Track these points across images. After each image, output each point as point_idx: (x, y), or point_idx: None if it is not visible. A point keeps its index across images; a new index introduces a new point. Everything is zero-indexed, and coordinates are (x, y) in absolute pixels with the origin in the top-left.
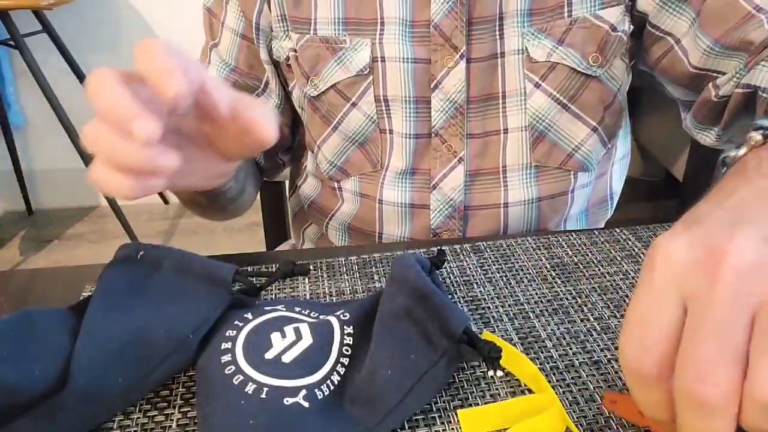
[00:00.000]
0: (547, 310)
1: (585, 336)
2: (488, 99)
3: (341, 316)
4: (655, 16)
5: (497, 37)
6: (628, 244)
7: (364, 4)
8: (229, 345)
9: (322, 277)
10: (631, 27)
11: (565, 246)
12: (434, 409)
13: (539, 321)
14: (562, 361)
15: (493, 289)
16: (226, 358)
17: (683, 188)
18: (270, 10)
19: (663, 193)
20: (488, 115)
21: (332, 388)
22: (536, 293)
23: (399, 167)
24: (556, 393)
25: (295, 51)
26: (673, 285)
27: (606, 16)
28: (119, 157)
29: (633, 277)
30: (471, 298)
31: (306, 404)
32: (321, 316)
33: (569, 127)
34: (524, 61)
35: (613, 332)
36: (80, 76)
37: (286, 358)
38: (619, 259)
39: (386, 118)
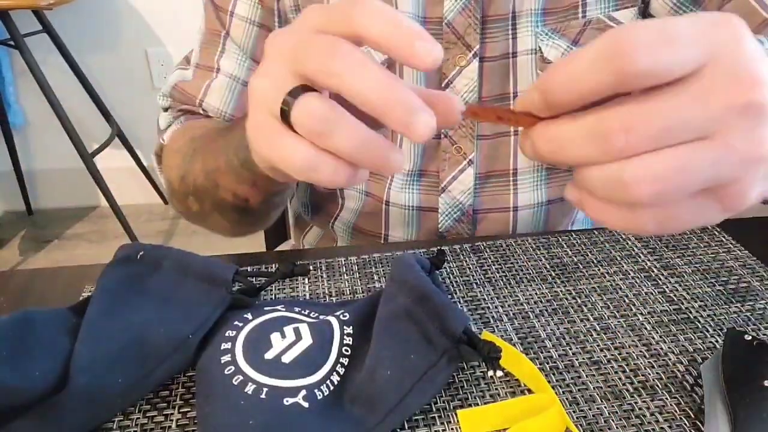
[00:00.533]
0: (546, 310)
1: (585, 336)
2: (500, 99)
3: (341, 316)
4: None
5: (510, 36)
6: (628, 244)
7: None
8: (228, 345)
9: (322, 277)
10: None
11: (565, 246)
12: (434, 409)
13: (539, 321)
14: (562, 361)
15: (492, 290)
16: (226, 358)
17: None
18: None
19: None
20: None
21: (332, 388)
22: (536, 293)
23: (407, 168)
24: (555, 393)
25: None
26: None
27: (620, 18)
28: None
29: (633, 277)
30: (471, 298)
31: (306, 404)
32: (321, 316)
33: None
34: (537, 61)
35: (613, 332)
36: (80, 76)
37: (286, 359)
38: (619, 259)
39: None
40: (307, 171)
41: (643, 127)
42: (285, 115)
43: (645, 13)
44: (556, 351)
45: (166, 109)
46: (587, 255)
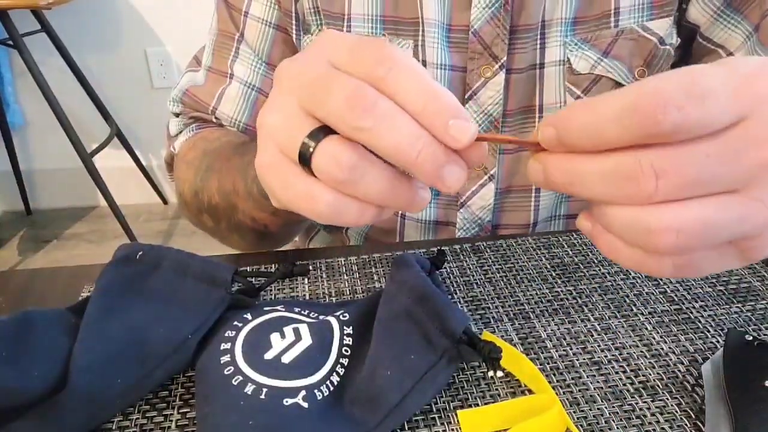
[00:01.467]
0: (547, 311)
1: (585, 336)
2: (525, 112)
3: (341, 316)
4: (708, 29)
5: (538, 46)
6: None
7: (403, 1)
8: (228, 345)
9: (322, 277)
10: (678, 40)
11: (566, 246)
12: (434, 409)
13: (539, 321)
14: (563, 362)
15: (493, 290)
16: (226, 358)
17: None
18: (305, 0)
19: None
20: (524, 130)
21: (332, 388)
22: (536, 293)
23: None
24: (556, 393)
25: None
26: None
27: (655, 28)
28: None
29: (633, 277)
30: (471, 299)
31: (305, 405)
32: (320, 317)
33: None
34: (566, 72)
35: (613, 332)
36: (79, 76)
37: (286, 359)
38: None
39: None
40: (330, 217)
41: (676, 174)
42: (303, 158)
43: (681, 21)
44: (557, 351)
45: (177, 115)
46: (588, 255)
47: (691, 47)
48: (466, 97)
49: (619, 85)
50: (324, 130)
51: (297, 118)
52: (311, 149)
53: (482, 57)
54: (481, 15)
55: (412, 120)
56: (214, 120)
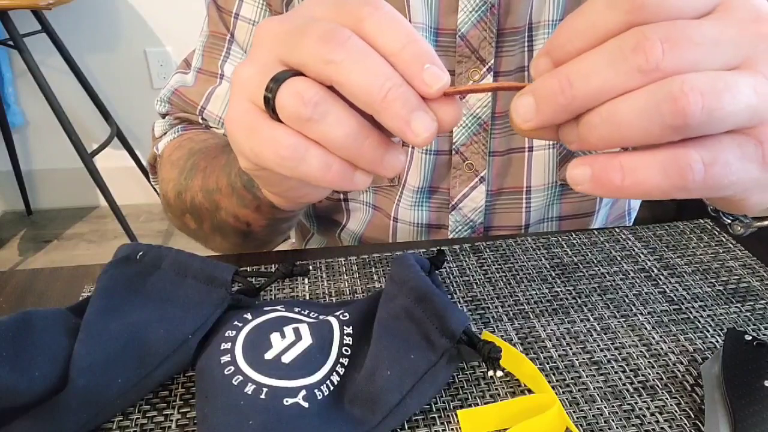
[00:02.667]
0: (546, 311)
1: (585, 336)
2: None
3: (341, 316)
4: None
5: (526, 49)
6: (628, 244)
7: (391, 4)
8: (228, 345)
9: (322, 277)
10: None
11: (565, 246)
12: (434, 409)
13: (539, 321)
14: (562, 362)
15: (492, 289)
16: (226, 358)
17: None
18: (296, 2)
19: None
20: (513, 132)
21: (332, 388)
22: (536, 293)
23: (416, 185)
24: (555, 393)
25: None
26: None
27: None
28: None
29: (633, 277)
30: (471, 298)
31: (305, 404)
32: (320, 317)
33: None
34: None
35: (613, 332)
36: (79, 76)
37: (286, 359)
38: (619, 259)
39: None
40: (292, 163)
41: (680, 38)
42: (269, 104)
43: None
44: (556, 351)
45: (164, 116)
46: (587, 255)
47: None
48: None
49: None
50: (293, 74)
51: (268, 65)
52: (275, 88)
53: (470, 60)
54: (467, 19)
55: (385, 61)
56: (201, 121)
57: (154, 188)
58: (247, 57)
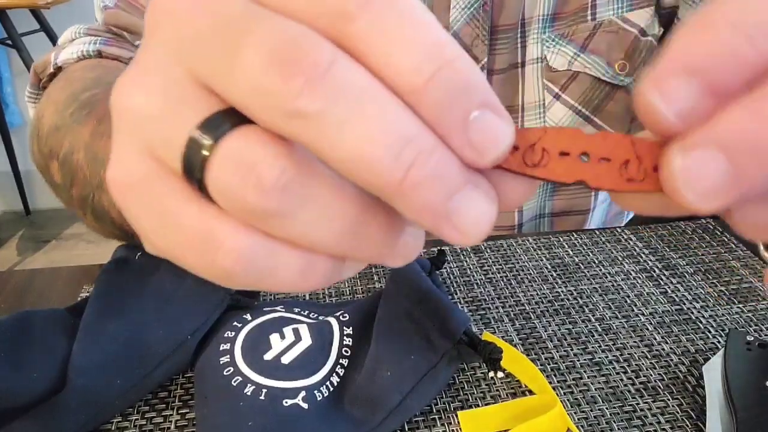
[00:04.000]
0: (548, 311)
1: (586, 337)
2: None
3: (341, 316)
4: (681, 11)
5: (518, 45)
6: (629, 244)
7: None
8: (227, 346)
9: None
10: (661, 30)
11: (566, 246)
12: (434, 410)
13: (540, 322)
14: (563, 362)
15: (493, 290)
16: (225, 359)
17: None
18: None
19: None
20: None
21: (331, 389)
22: (537, 294)
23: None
24: (557, 394)
25: None
26: None
27: (634, 19)
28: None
29: (634, 278)
30: (471, 299)
31: (305, 405)
32: (320, 317)
33: None
34: (543, 70)
35: (614, 333)
36: None
37: (285, 360)
38: (620, 259)
39: None
40: (246, 275)
41: None
42: (191, 168)
43: (659, 8)
44: (558, 352)
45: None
46: (588, 255)
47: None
48: None
49: (597, 80)
50: (231, 117)
51: (183, 94)
52: (205, 150)
53: None
54: (460, 16)
55: (399, 105)
56: (134, 47)
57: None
58: (135, 65)
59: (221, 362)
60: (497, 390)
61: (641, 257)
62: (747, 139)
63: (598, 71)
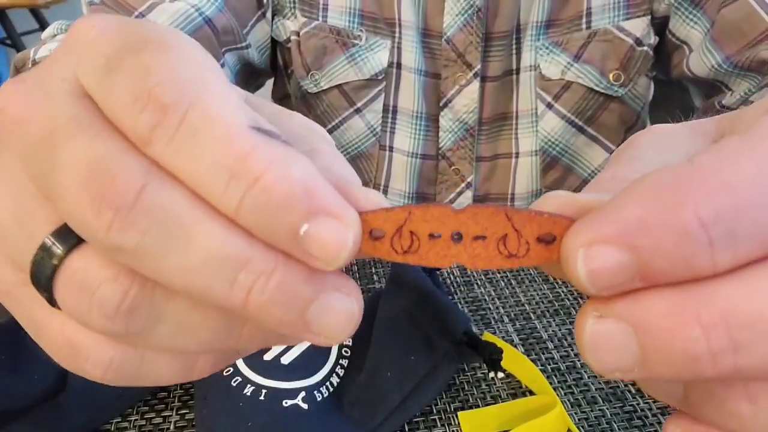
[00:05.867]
0: (548, 311)
1: None
2: (501, 120)
3: None
4: (671, 22)
5: (513, 52)
6: None
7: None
8: None
9: None
10: (656, 39)
11: None
12: (434, 410)
13: (540, 322)
14: (564, 363)
15: (494, 290)
16: None
17: None
18: None
19: None
20: (500, 137)
21: (331, 389)
22: (537, 294)
23: (402, 190)
24: (557, 394)
25: (298, 36)
26: None
27: (630, 29)
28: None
29: None
30: (471, 299)
31: (305, 406)
32: None
33: (585, 151)
34: (536, 78)
35: None
36: None
37: (285, 360)
38: None
39: (389, 132)
40: (123, 382)
41: None
42: (39, 281)
43: (653, 19)
44: (558, 352)
45: None
46: None
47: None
48: (441, 104)
49: (591, 90)
50: (71, 242)
51: (31, 204)
52: (52, 266)
53: (456, 65)
54: (453, 22)
55: (226, 226)
56: None
57: None
58: None
59: None
60: (497, 390)
61: None
62: (661, 330)
63: (592, 81)
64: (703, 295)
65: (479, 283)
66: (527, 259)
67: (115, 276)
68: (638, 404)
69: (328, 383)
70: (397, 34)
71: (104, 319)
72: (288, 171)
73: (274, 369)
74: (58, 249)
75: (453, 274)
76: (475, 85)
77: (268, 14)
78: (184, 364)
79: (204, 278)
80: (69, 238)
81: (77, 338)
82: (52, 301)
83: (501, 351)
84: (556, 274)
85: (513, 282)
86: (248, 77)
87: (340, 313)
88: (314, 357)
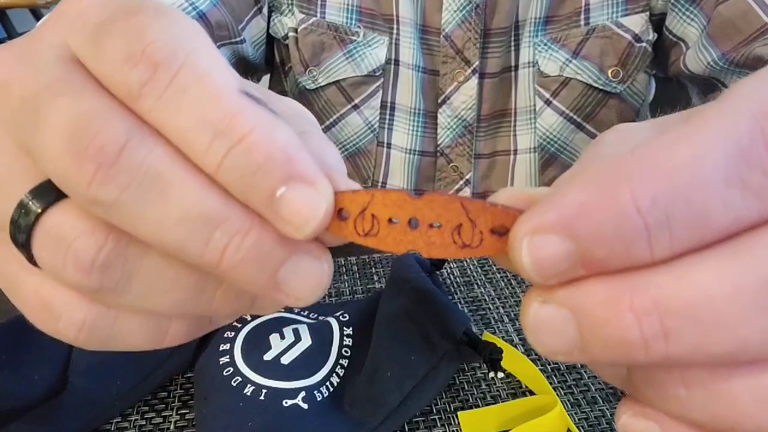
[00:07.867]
0: None
1: None
2: (499, 116)
3: (341, 317)
4: (668, 18)
5: (512, 48)
6: None
7: None
8: (227, 346)
9: None
10: (655, 35)
11: None
12: (434, 410)
13: None
14: (564, 363)
15: (493, 290)
16: (225, 359)
17: None
18: None
19: None
20: (498, 134)
21: (331, 389)
22: None
23: (399, 187)
24: (557, 394)
25: (296, 32)
26: None
27: (629, 25)
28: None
29: None
30: (471, 299)
31: (305, 406)
32: (320, 317)
33: (584, 148)
34: (535, 74)
35: None
36: None
37: (285, 360)
38: None
39: (387, 129)
40: (94, 344)
41: None
42: (18, 237)
43: (651, 15)
44: None
45: None
46: None
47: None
48: (439, 101)
49: (589, 87)
50: (52, 197)
51: (12, 163)
52: (31, 221)
53: (454, 61)
54: (451, 19)
55: (205, 185)
56: None
57: None
58: None
59: (221, 362)
60: (497, 390)
61: None
62: (598, 316)
63: (590, 78)
64: (638, 283)
65: (479, 283)
66: (481, 250)
67: (92, 230)
68: None
69: (328, 383)
70: (395, 31)
71: (79, 273)
72: (272, 134)
73: (274, 369)
74: (35, 206)
75: (453, 274)
76: (474, 81)
77: (264, 10)
78: (156, 329)
79: (180, 234)
80: (47, 195)
81: (52, 297)
82: (30, 259)
83: (501, 351)
84: (509, 267)
85: (513, 282)
86: (243, 72)
87: (310, 274)
88: (314, 357)
